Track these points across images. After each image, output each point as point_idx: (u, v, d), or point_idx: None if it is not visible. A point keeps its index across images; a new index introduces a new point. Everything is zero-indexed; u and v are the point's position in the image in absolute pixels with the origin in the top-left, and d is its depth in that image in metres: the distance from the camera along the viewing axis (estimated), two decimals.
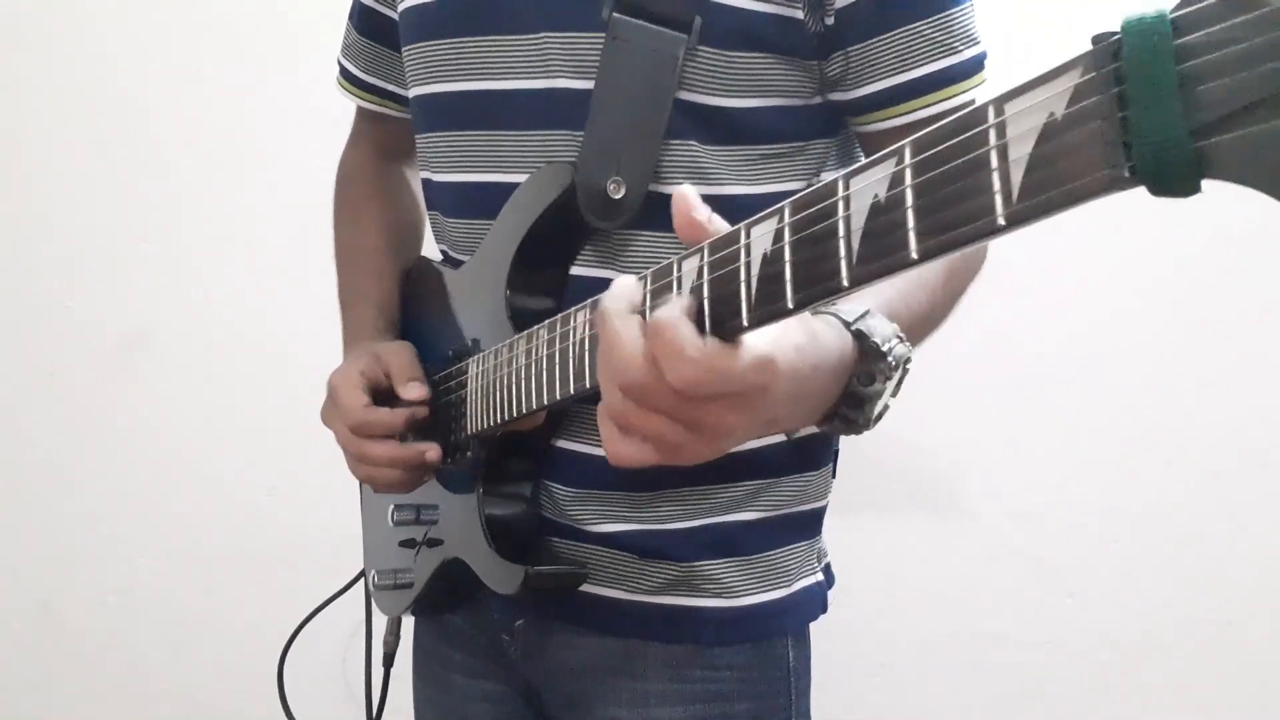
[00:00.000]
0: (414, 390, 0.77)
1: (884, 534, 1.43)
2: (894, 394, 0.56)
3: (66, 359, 1.56)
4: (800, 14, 0.67)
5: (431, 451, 0.76)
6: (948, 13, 0.68)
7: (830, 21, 0.68)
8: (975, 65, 0.70)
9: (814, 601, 0.79)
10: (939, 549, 1.43)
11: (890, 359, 0.54)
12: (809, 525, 0.79)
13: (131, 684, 1.56)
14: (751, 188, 0.72)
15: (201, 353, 1.54)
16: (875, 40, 0.68)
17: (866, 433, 0.57)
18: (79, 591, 1.56)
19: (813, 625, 0.80)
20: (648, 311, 0.50)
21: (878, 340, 0.54)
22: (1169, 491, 1.37)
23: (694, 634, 0.75)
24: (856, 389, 0.55)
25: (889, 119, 0.70)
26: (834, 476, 0.82)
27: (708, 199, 0.70)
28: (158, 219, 1.54)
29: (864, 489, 1.41)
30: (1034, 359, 1.39)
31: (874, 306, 0.56)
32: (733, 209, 0.71)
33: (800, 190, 0.72)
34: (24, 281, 1.56)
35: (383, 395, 0.79)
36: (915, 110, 0.69)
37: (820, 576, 0.80)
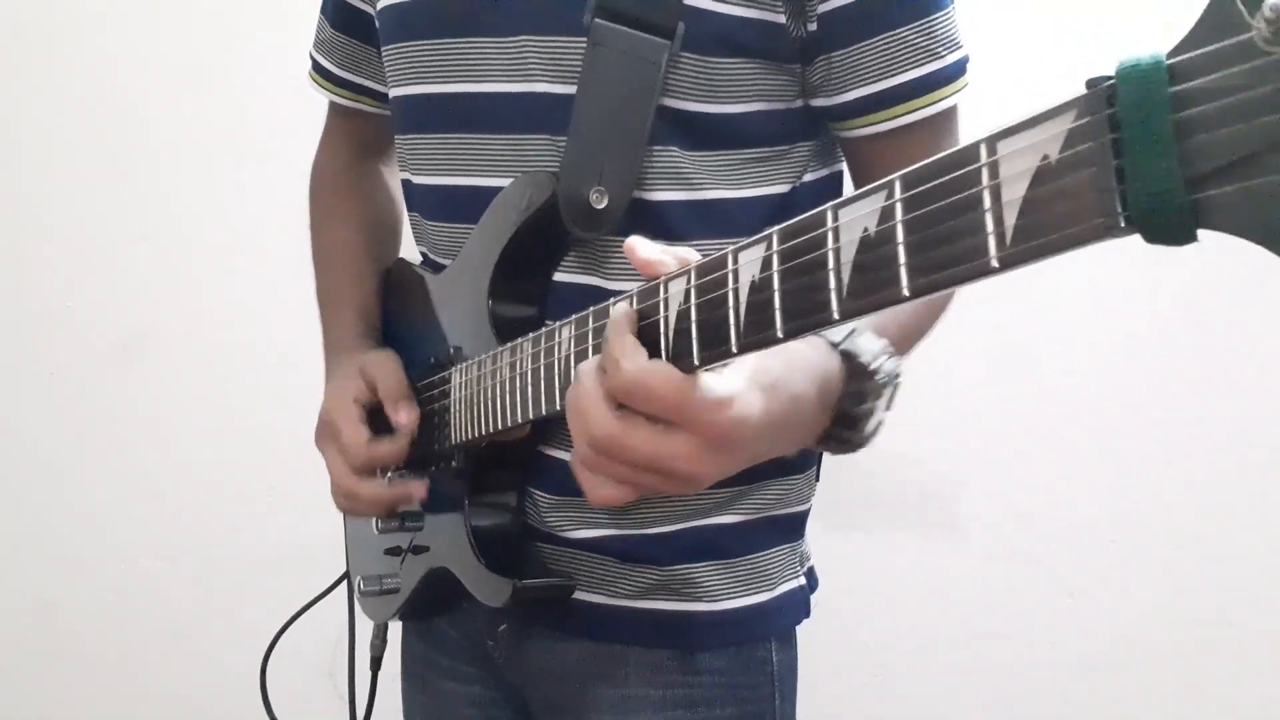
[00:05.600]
0: (406, 414, 0.76)
1: (883, 534, 1.43)
2: (887, 408, 0.56)
3: (66, 359, 1.55)
4: (783, 19, 0.66)
5: (419, 491, 0.76)
6: (931, 18, 0.67)
7: (813, 27, 0.67)
8: (958, 70, 0.69)
9: (797, 605, 0.78)
10: (938, 549, 1.43)
11: (880, 377, 0.54)
12: (792, 528, 0.78)
13: (132, 684, 1.57)
14: (735, 191, 0.71)
15: (201, 353, 1.53)
16: (858, 46, 0.67)
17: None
18: (77, 591, 1.57)
19: (810, 626, 0.79)
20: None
21: (865, 359, 0.54)
22: (1169, 491, 1.36)
23: (676, 638, 0.74)
24: (849, 409, 0.55)
25: (872, 125, 0.70)
26: (817, 480, 0.81)
27: (691, 204, 0.71)
28: (158, 219, 1.54)
29: (864, 490, 1.41)
30: (1034, 358, 1.39)
31: (862, 323, 0.55)
32: (716, 214, 0.71)
33: (783, 193, 0.72)
34: (24, 281, 1.56)
35: (377, 416, 0.78)
36: (899, 116, 0.69)
37: (803, 580, 0.79)
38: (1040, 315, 1.37)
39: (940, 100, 0.68)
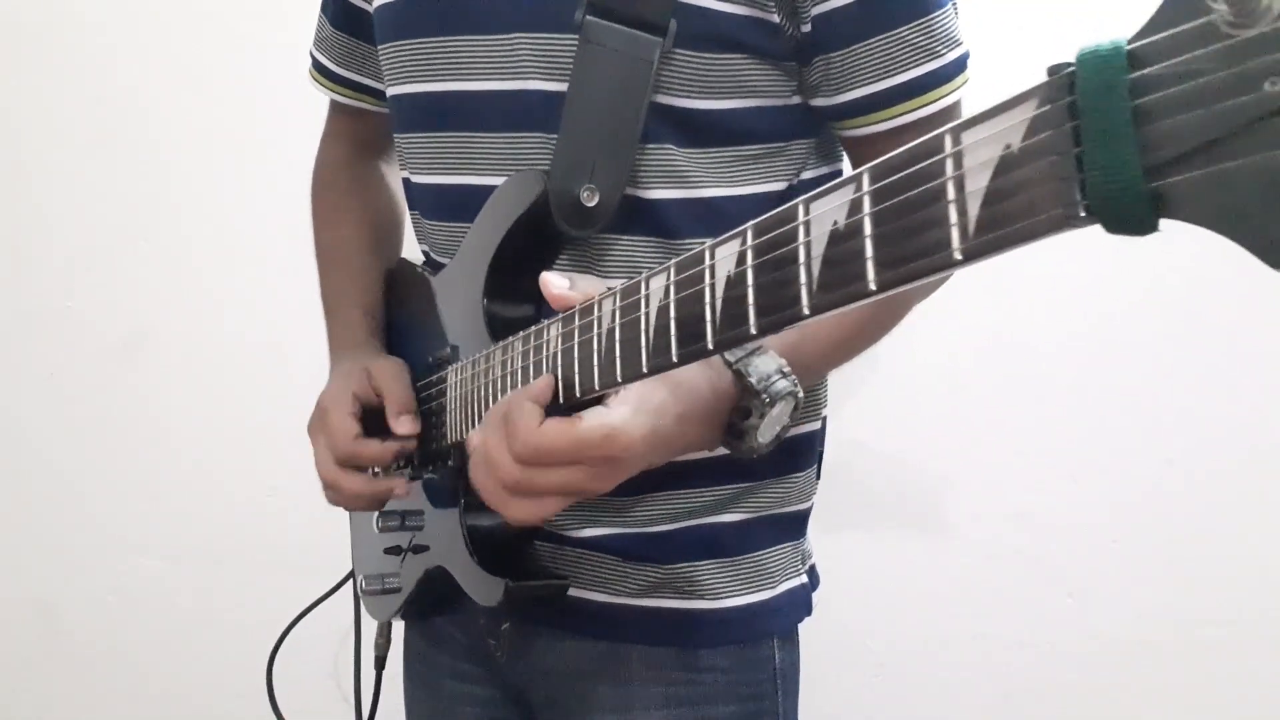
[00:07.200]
0: (406, 425, 0.76)
1: (883, 534, 1.43)
2: (790, 417, 0.60)
3: (66, 359, 1.56)
4: (775, 18, 0.66)
5: (399, 488, 0.76)
6: (930, 16, 0.67)
7: (806, 29, 0.66)
8: (958, 67, 0.69)
9: (799, 603, 0.78)
10: (938, 548, 1.42)
11: (765, 396, 0.58)
12: (794, 526, 0.78)
13: (132, 685, 1.57)
14: (731, 189, 0.71)
15: (201, 352, 1.54)
16: (858, 46, 0.67)
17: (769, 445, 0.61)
18: (78, 591, 1.57)
19: (810, 625, 0.79)
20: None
21: (754, 379, 0.58)
22: (1169, 491, 1.35)
23: (678, 636, 0.74)
24: (733, 421, 0.59)
25: (873, 124, 0.69)
26: (818, 478, 0.81)
27: (687, 202, 0.71)
28: (158, 219, 1.54)
29: (863, 489, 1.40)
30: (1034, 358, 1.38)
31: (790, 333, 0.58)
32: (713, 212, 0.71)
33: (780, 191, 0.72)
34: (24, 281, 1.56)
35: (372, 416, 0.78)
36: (900, 115, 0.68)
37: (805, 578, 0.79)
38: (1040, 313, 1.36)
39: (941, 98, 0.68)
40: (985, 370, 1.38)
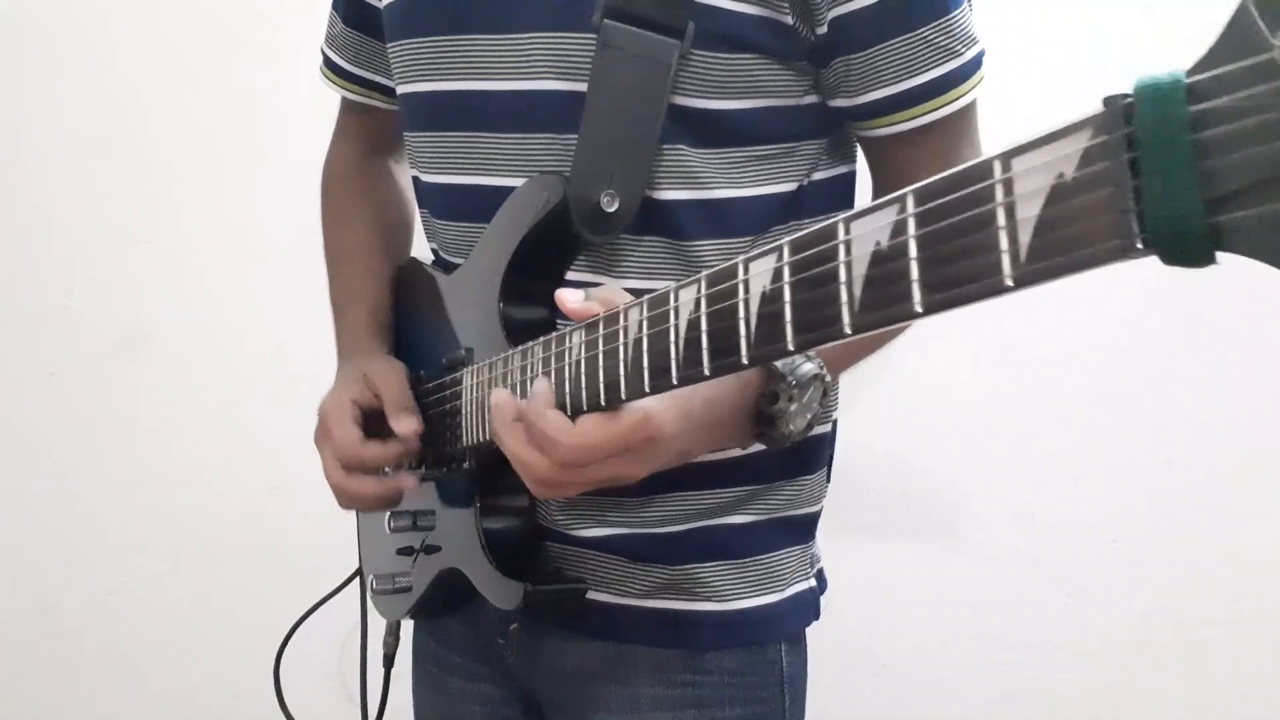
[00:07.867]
0: (406, 424, 0.75)
1: (884, 535, 1.43)
2: (819, 404, 0.61)
3: (66, 359, 1.55)
4: (788, 19, 0.66)
5: (408, 484, 0.76)
6: (950, 16, 0.67)
7: (822, 31, 0.66)
8: (975, 65, 0.69)
9: (807, 607, 0.78)
10: (938, 549, 1.43)
11: (791, 379, 0.58)
12: (803, 530, 0.78)
13: (133, 684, 1.57)
14: (742, 190, 0.71)
15: (202, 352, 1.53)
16: (878, 48, 0.67)
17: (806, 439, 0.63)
18: (78, 591, 1.56)
19: (814, 626, 0.79)
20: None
21: (778, 363, 0.58)
22: (1169, 492, 1.36)
23: (685, 638, 0.74)
24: (763, 408, 0.60)
25: (893, 124, 0.69)
26: (828, 481, 0.81)
27: (699, 203, 0.71)
28: (158, 219, 1.53)
29: (865, 491, 1.41)
30: (1034, 358, 1.39)
31: None
32: (723, 213, 0.71)
33: (790, 192, 0.72)
34: (24, 281, 1.55)
35: (374, 420, 0.78)
36: (920, 115, 0.69)
37: (813, 582, 0.79)
38: (1042, 316, 1.37)
39: (961, 97, 0.69)
40: (985, 372, 1.39)
